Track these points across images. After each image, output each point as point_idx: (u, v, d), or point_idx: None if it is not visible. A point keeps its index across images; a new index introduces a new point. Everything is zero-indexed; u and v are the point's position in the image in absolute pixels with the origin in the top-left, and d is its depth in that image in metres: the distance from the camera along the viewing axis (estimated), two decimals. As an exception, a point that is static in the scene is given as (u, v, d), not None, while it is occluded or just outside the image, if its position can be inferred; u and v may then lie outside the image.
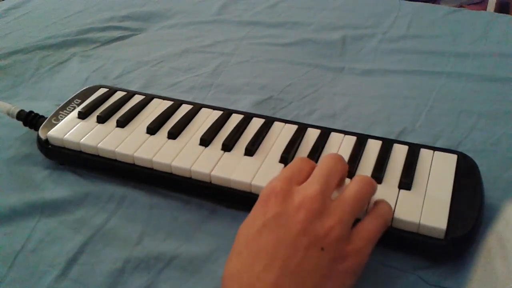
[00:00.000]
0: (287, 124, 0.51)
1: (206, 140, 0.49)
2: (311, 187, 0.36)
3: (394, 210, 0.40)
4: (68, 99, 0.57)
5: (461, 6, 2.25)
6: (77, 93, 0.58)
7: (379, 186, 0.43)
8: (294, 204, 0.35)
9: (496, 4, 2.09)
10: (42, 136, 0.52)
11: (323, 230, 0.33)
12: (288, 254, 0.32)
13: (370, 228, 0.36)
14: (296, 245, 0.33)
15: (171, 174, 0.48)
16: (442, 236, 0.39)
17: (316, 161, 0.46)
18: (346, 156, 0.46)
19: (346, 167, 0.39)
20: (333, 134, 0.50)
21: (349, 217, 0.35)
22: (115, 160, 0.49)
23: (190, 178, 0.47)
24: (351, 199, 0.36)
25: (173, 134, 0.50)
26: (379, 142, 0.48)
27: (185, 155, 0.48)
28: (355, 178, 0.38)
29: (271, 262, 0.32)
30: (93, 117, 0.54)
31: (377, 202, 0.39)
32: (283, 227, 0.34)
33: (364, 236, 0.35)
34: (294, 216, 0.34)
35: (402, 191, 0.42)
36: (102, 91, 0.58)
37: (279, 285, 0.32)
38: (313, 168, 0.39)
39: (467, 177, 0.44)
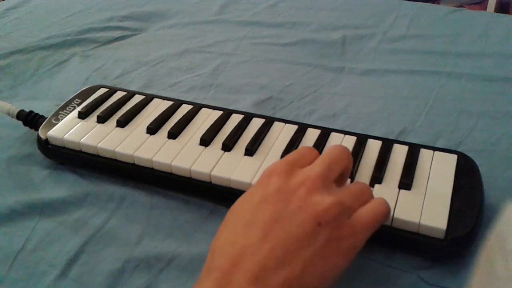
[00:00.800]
0: (287, 124, 0.52)
1: (206, 140, 0.49)
2: (313, 169, 0.36)
3: (394, 210, 0.40)
4: (68, 99, 0.57)
5: (461, 6, 2.25)
6: (77, 93, 0.58)
7: (378, 186, 0.43)
8: (295, 181, 0.35)
9: (496, 4, 2.09)
10: (42, 136, 0.52)
11: (322, 206, 0.33)
12: (284, 227, 0.32)
13: (369, 214, 0.35)
14: (293, 219, 0.33)
15: (171, 174, 0.48)
16: (442, 236, 0.39)
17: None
18: (346, 156, 0.46)
19: (351, 160, 0.39)
20: (333, 134, 0.50)
21: (349, 201, 0.35)
22: (115, 160, 0.49)
23: (190, 178, 0.47)
24: (351, 188, 0.36)
25: (173, 134, 0.50)
26: (379, 142, 0.48)
27: (185, 155, 0.48)
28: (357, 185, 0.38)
29: (266, 233, 0.32)
30: (93, 117, 0.54)
31: (378, 198, 0.38)
32: (282, 201, 0.34)
33: (363, 222, 0.35)
34: (294, 192, 0.34)
35: (402, 191, 0.42)
36: (102, 91, 0.58)
37: (272, 258, 0.31)
38: (316, 157, 0.39)
39: (467, 177, 0.44)
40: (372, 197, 0.37)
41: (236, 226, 0.34)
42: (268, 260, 0.31)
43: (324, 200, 0.33)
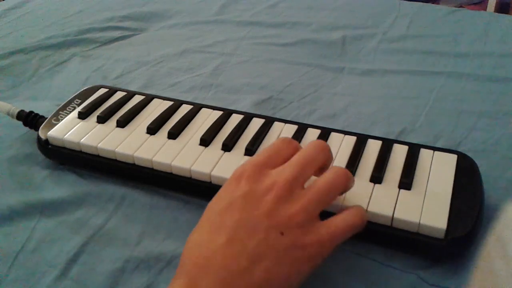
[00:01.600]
0: (287, 124, 0.52)
1: (206, 140, 0.49)
2: (283, 173, 0.36)
3: (394, 210, 0.40)
4: (68, 99, 0.57)
5: (461, 6, 2.25)
6: (77, 93, 0.58)
7: (378, 185, 0.43)
8: (263, 187, 0.35)
9: (496, 4, 2.09)
10: (42, 136, 0.52)
11: (286, 215, 0.34)
12: (248, 233, 0.33)
13: (339, 225, 0.36)
14: (258, 226, 0.33)
15: (171, 174, 0.48)
16: (442, 236, 0.39)
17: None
18: (346, 156, 0.46)
19: (329, 157, 0.39)
20: (333, 134, 0.50)
21: (315, 206, 0.35)
22: (115, 160, 0.49)
23: (190, 178, 0.47)
24: (320, 190, 0.36)
25: (173, 134, 0.50)
26: (379, 142, 0.48)
27: (185, 155, 0.48)
28: (330, 169, 0.38)
29: (231, 238, 0.33)
30: (93, 117, 0.54)
31: (355, 206, 0.39)
32: (249, 207, 0.34)
33: (331, 231, 0.35)
34: (260, 198, 0.35)
35: (402, 191, 0.42)
36: (102, 91, 0.58)
37: (236, 263, 0.32)
38: (295, 150, 0.39)
39: (467, 177, 0.44)
40: (347, 182, 0.37)
41: (204, 229, 0.35)
42: (232, 265, 0.32)
43: (288, 210, 0.34)
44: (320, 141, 0.39)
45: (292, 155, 0.38)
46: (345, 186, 0.38)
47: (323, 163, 0.39)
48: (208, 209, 0.37)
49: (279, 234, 0.33)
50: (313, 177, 0.38)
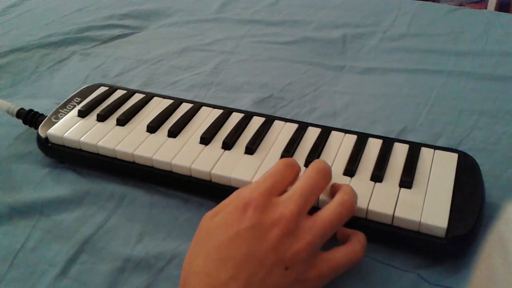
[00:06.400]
0: (287, 123, 0.51)
1: (206, 139, 0.49)
2: (289, 205, 0.36)
3: (395, 209, 0.40)
4: (68, 98, 0.57)
5: (461, 5, 2.25)
6: (77, 91, 0.58)
7: (379, 184, 0.43)
8: (269, 220, 0.35)
9: (496, 2, 2.09)
10: (42, 135, 0.52)
11: (291, 252, 0.35)
12: (254, 268, 0.34)
13: (340, 260, 0.37)
14: (264, 261, 0.34)
15: (171, 172, 0.47)
16: (443, 234, 0.39)
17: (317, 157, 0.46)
18: (346, 155, 0.46)
19: (330, 179, 0.40)
20: (333, 132, 0.49)
21: (319, 241, 0.36)
22: (115, 159, 0.49)
23: (190, 177, 0.47)
24: (325, 223, 0.36)
25: (174, 132, 0.50)
26: (380, 141, 0.48)
27: (185, 154, 0.48)
28: (337, 197, 0.38)
29: (238, 273, 0.34)
30: (93, 116, 0.54)
31: (357, 238, 0.39)
32: (256, 240, 0.35)
33: (332, 265, 0.36)
34: (267, 232, 0.35)
35: (402, 189, 0.42)
36: (102, 89, 0.58)
37: None
38: (296, 174, 0.40)
39: (468, 176, 0.44)
40: (351, 213, 0.38)
41: (211, 257, 0.35)
42: None
43: (294, 246, 0.35)
44: (323, 165, 0.40)
45: (295, 178, 0.39)
46: (349, 216, 0.38)
47: (324, 187, 0.39)
48: (212, 233, 0.36)
49: (284, 269, 0.34)
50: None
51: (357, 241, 0.38)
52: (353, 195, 0.39)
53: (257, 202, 0.36)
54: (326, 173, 0.39)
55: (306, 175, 0.39)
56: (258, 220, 0.35)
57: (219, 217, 0.37)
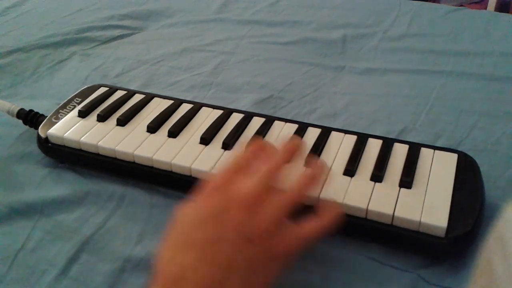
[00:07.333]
0: (287, 123, 0.51)
1: (206, 139, 0.49)
2: (252, 186, 0.37)
3: (395, 209, 0.40)
4: (68, 98, 0.57)
5: (461, 5, 2.25)
6: (77, 92, 0.58)
7: (379, 184, 0.43)
8: (232, 202, 0.36)
9: (496, 3, 2.09)
10: (42, 135, 0.52)
11: (254, 227, 0.35)
12: (220, 247, 0.34)
13: (307, 230, 0.37)
14: (229, 239, 0.34)
15: (171, 172, 0.47)
16: (442, 234, 0.39)
17: (318, 157, 0.46)
18: (346, 155, 0.46)
19: (299, 149, 0.41)
20: (333, 133, 0.49)
21: (282, 214, 0.36)
22: (115, 159, 0.49)
23: (190, 177, 0.47)
24: (286, 196, 0.37)
25: (174, 132, 0.50)
26: (380, 141, 0.48)
27: (185, 154, 0.48)
28: (304, 174, 0.39)
29: (203, 254, 0.34)
30: (93, 116, 0.54)
31: (328, 208, 0.39)
32: (219, 223, 0.35)
33: (298, 237, 0.37)
34: (229, 211, 0.36)
35: (402, 189, 0.42)
36: (102, 90, 0.58)
37: (208, 277, 0.33)
38: (267, 152, 0.40)
39: (468, 176, 0.44)
40: (316, 185, 0.39)
41: (177, 245, 0.35)
42: (205, 280, 0.33)
43: (258, 219, 0.35)
44: (293, 141, 0.41)
45: (263, 158, 0.40)
46: (314, 187, 0.39)
47: (294, 156, 0.40)
48: (179, 221, 0.37)
49: (250, 244, 0.35)
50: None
51: (328, 212, 0.38)
52: (319, 168, 0.40)
53: (218, 184, 0.37)
54: (292, 148, 0.40)
55: (272, 157, 0.40)
56: (219, 203, 0.36)
57: (188, 204, 0.38)
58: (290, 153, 0.40)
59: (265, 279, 0.35)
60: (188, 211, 0.37)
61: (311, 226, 0.37)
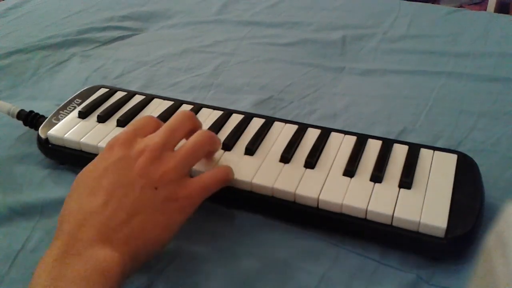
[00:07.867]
0: (287, 124, 0.51)
1: (206, 140, 0.49)
2: (153, 139, 0.40)
3: (394, 209, 0.40)
4: (69, 99, 0.57)
5: (461, 6, 2.25)
6: (77, 93, 0.58)
7: (379, 185, 0.43)
8: (135, 151, 0.39)
9: (496, 4, 2.09)
10: (42, 136, 0.52)
11: (158, 174, 0.38)
12: (125, 192, 0.37)
13: (205, 180, 0.41)
14: (133, 185, 0.38)
15: (171, 173, 0.47)
16: (442, 235, 0.39)
17: (317, 158, 0.46)
18: (346, 155, 0.46)
19: (196, 123, 0.44)
20: (333, 134, 0.50)
21: (184, 164, 0.40)
22: (115, 160, 0.49)
23: (190, 178, 0.47)
24: (188, 150, 0.41)
25: (173, 133, 0.50)
26: (379, 142, 0.48)
27: (185, 155, 0.48)
28: (197, 133, 0.43)
29: (109, 198, 0.37)
30: (93, 117, 0.54)
31: (222, 165, 0.44)
32: (123, 169, 0.38)
33: (198, 186, 0.40)
34: (134, 160, 0.39)
35: (402, 190, 0.42)
36: (102, 91, 0.58)
37: (115, 218, 0.36)
38: (158, 126, 0.43)
39: (467, 176, 0.44)
40: (211, 142, 0.43)
41: (81, 195, 0.38)
42: (111, 221, 0.36)
43: (160, 169, 0.39)
44: (186, 110, 0.45)
45: (156, 128, 0.42)
46: (210, 145, 0.44)
47: (190, 129, 0.43)
48: (79, 178, 0.39)
49: (153, 189, 0.38)
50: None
51: (222, 166, 0.44)
52: (208, 132, 0.43)
53: (121, 141, 0.40)
54: (190, 116, 0.43)
55: (170, 119, 0.43)
56: (123, 154, 0.39)
57: (89, 164, 0.40)
58: (187, 117, 0.43)
59: (168, 221, 0.38)
60: (90, 167, 0.40)
61: (209, 175, 0.42)
